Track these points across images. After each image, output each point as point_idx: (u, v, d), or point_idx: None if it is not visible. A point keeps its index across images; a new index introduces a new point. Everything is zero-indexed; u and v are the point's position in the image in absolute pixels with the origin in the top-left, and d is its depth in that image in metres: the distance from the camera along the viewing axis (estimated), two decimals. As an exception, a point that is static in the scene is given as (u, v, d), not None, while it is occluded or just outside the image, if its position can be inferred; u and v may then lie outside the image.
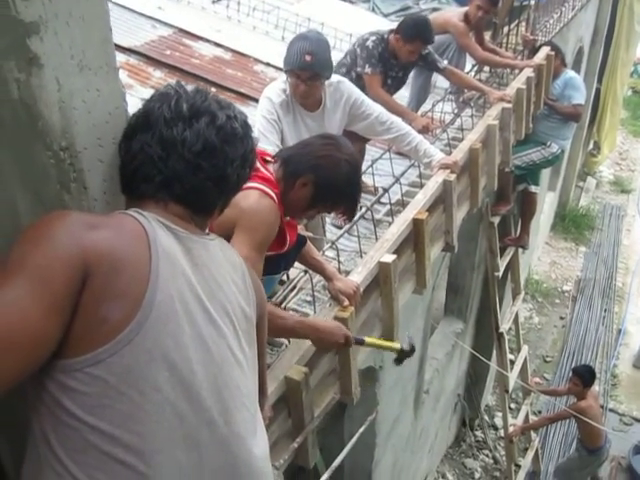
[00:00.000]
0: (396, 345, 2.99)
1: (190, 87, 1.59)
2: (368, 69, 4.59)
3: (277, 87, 3.57)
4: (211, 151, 1.52)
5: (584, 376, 6.85)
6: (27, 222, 1.44)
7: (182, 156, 1.49)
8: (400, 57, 4.71)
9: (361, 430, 3.28)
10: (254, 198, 2.35)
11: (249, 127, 1.64)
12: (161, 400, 1.31)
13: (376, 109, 3.82)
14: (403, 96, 5.69)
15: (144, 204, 1.50)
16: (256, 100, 5.98)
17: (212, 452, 1.38)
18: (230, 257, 1.62)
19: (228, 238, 2.34)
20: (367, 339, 2.91)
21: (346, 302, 2.99)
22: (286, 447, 2.79)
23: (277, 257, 2.46)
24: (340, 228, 4.09)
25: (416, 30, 4.62)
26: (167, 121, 1.50)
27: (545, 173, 8.67)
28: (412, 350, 3.00)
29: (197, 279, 1.44)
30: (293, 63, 3.42)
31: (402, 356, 3.00)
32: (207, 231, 1.66)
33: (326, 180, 2.44)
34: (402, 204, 4.10)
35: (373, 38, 4.67)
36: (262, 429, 1.58)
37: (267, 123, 3.49)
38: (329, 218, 4.42)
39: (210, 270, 1.49)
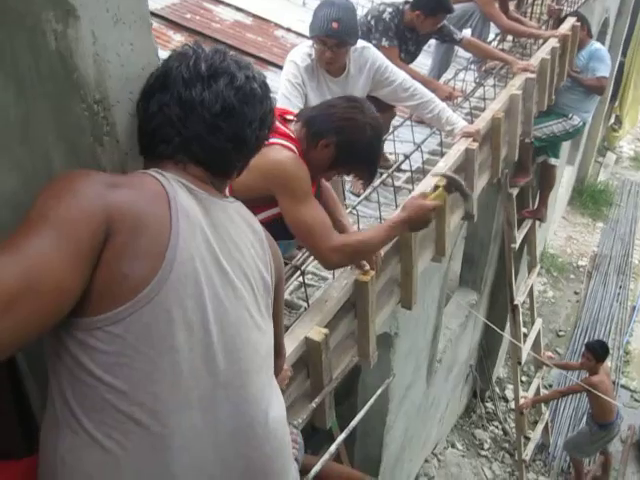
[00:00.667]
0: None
1: (208, 47, 1.57)
2: (385, 42, 4.53)
3: (302, 51, 3.56)
4: (230, 112, 1.50)
5: (597, 351, 6.86)
6: (60, 169, 1.46)
7: (201, 117, 1.47)
8: (421, 30, 4.66)
9: (379, 392, 3.32)
10: (277, 153, 2.39)
11: (268, 88, 1.62)
12: (178, 361, 1.31)
13: (400, 75, 3.80)
14: (424, 64, 5.65)
15: (163, 165, 1.49)
16: (276, 65, 6.00)
17: (228, 414, 1.38)
18: (249, 221, 1.60)
19: (256, 200, 2.36)
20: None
21: (367, 266, 3.00)
22: (304, 407, 2.83)
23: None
24: (358, 196, 4.09)
25: (438, 3, 4.56)
26: (185, 81, 1.48)
27: (565, 146, 8.61)
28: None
29: (216, 240, 1.43)
30: (319, 30, 3.40)
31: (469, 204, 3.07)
32: (226, 194, 1.65)
33: (349, 143, 2.47)
34: (422, 172, 4.09)
35: (390, 10, 4.60)
36: (278, 392, 1.58)
37: (291, 87, 3.49)
38: (348, 185, 4.42)
39: (229, 232, 1.49)
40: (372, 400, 3.14)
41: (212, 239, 1.42)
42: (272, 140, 2.38)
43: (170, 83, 1.49)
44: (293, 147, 2.44)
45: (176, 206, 1.36)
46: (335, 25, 3.38)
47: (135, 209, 1.30)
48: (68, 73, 1.43)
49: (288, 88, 3.48)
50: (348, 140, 2.48)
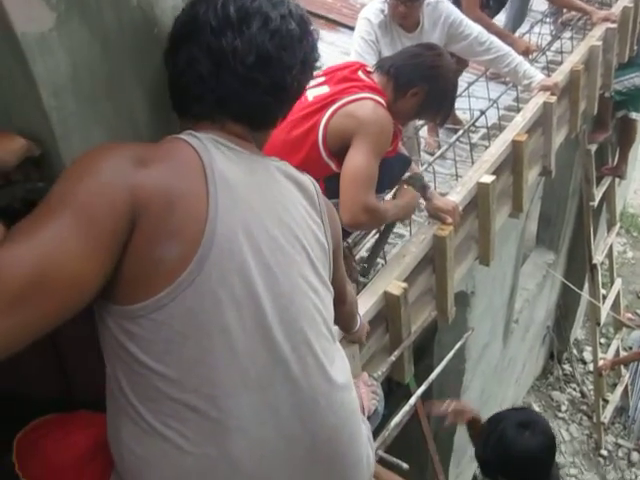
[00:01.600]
0: None
1: None
2: None
3: (375, 8, 3.54)
4: (266, 61, 1.33)
5: None
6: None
7: (235, 70, 1.31)
8: None
9: (458, 345, 3.32)
10: (371, 107, 2.41)
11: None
12: (230, 342, 1.22)
13: (475, 29, 3.73)
14: (499, 20, 5.51)
15: (200, 125, 1.36)
16: (346, 26, 5.95)
17: (287, 390, 1.30)
18: (297, 179, 1.45)
19: (340, 149, 2.38)
20: None
21: (449, 220, 2.99)
22: (383, 360, 2.86)
23: (382, 171, 2.48)
24: (432, 154, 4.07)
25: None
26: (214, 29, 1.31)
27: (646, 101, 8.28)
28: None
29: (261, 204, 1.31)
30: None
31: None
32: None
33: (438, 90, 2.55)
34: (498, 128, 4.03)
35: None
36: (341, 356, 1.48)
37: (365, 44, 3.48)
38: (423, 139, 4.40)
39: (274, 193, 1.36)
40: (451, 353, 3.16)
41: (257, 203, 1.30)
42: (365, 95, 2.43)
43: (197, 32, 1.33)
44: (381, 100, 2.46)
45: (213, 175, 1.23)
46: None
47: (165, 186, 1.19)
48: (149, 27, 1.43)
49: (362, 45, 3.47)
50: (438, 87, 2.54)
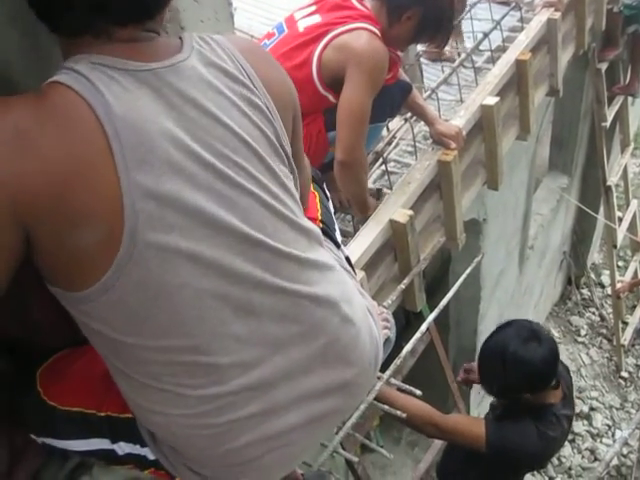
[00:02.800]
0: None
1: None
2: None
3: None
4: None
5: None
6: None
7: None
8: None
9: (469, 270, 3.31)
10: (365, 39, 2.35)
11: None
12: (193, 294, 1.15)
13: None
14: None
15: (80, 42, 1.11)
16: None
17: (269, 311, 1.24)
18: (217, 63, 1.22)
19: (335, 81, 2.34)
20: None
21: (453, 145, 2.94)
22: (393, 289, 2.85)
23: (383, 99, 2.44)
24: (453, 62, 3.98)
25: None
26: None
27: (658, 15, 8.04)
28: None
29: (184, 129, 1.12)
30: None
31: None
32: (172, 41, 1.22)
33: (433, 13, 2.45)
34: (503, 50, 3.93)
35: None
36: (328, 259, 1.36)
37: None
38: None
39: (197, 103, 1.15)
40: (462, 278, 3.15)
41: (179, 131, 1.11)
42: (359, 24, 2.37)
43: None
44: (375, 29, 2.39)
45: (113, 125, 1.04)
46: None
47: (54, 169, 1.01)
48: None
49: None
50: (432, 10, 2.45)
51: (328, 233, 1.64)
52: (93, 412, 1.35)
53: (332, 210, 1.84)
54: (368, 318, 1.44)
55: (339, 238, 1.78)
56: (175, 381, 1.19)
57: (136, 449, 1.35)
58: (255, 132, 1.22)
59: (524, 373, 2.46)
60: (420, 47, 3.90)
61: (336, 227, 1.81)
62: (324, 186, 1.87)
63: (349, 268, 1.60)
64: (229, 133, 1.18)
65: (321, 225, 1.65)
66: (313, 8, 2.47)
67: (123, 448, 1.36)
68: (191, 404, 1.21)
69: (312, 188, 1.79)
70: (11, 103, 1.04)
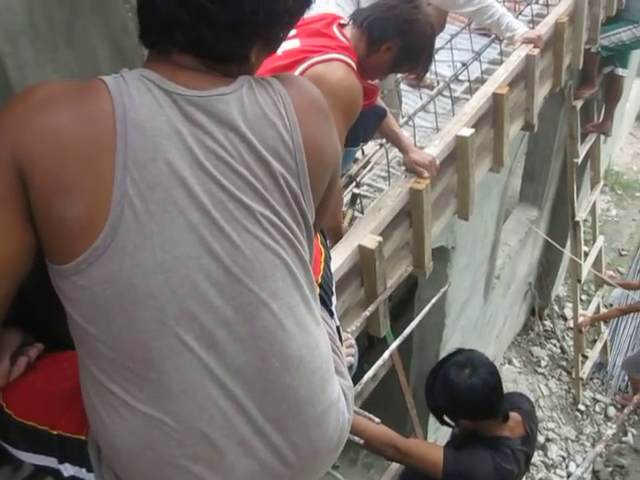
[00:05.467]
0: None
1: None
2: None
3: None
4: None
5: None
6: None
7: None
8: None
9: (434, 300, 3.32)
10: (342, 74, 2.32)
11: None
12: (158, 306, 1.13)
13: None
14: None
15: (150, 55, 1.23)
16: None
17: (233, 350, 1.20)
18: (263, 108, 1.22)
19: None
20: None
21: (425, 174, 2.96)
22: (358, 315, 2.85)
23: (356, 124, 2.44)
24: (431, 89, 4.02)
25: None
26: None
27: (635, 57, 8.20)
28: None
29: (202, 151, 1.15)
30: None
31: None
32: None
33: (413, 45, 2.44)
34: (481, 81, 3.97)
35: None
36: (301, 313, 1.29)
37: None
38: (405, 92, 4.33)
39: (213, 136, 1.16)
40: (427, 307, 3.15)
41: (197, 150, 1.15)
42: (335, 55, 2.34)
43: None
44: (352, 62, 2.37)
45: (125, 126, 1.10)
46: None
47: (58, 138, 1.08)
48: (110, -26, 1.39)
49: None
50: (412, 41, 2.44)
51: (324, 300, 1.62)
52: (46, 429, 1.32)
53: (331, 271, 1.82)
54: (340, 402, 1.40)
55: (334, 303, 1.76)
56: (125, 386, 1.17)
57: (81, 473, 1.32)
58: (268, 181, 1.21)
59: (449, 395, 2.49)
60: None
61: (334, 290, 1.79)
62: (327, 242, 1.86)
63: (337, 342, 1.56)
64: (234, 174, 1.17)
65: (319, 290, 1.61)
66: (293, 32, 2.46)
67: (69, 470, 1.33)
68: (137, 420, 1.18)
69: (319, 243, 1.78)
70: (62, 82, 1.19)
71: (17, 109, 1.11)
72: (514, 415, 2.64)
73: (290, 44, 2.39)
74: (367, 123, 2.60)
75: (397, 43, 2.42)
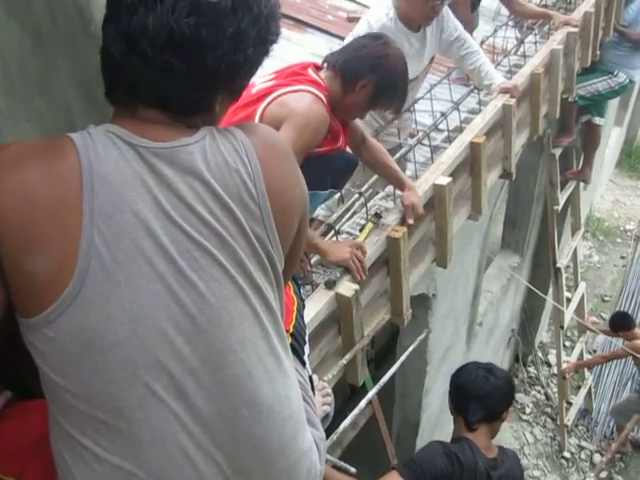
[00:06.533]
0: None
1: None
2: None
3: (381, 12, 3.55)
4: (179, 43, 1.15)
5: (615, 323, 6.83)
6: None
7: (144, 53, 1.15)
8: None
9: (412, 346, 3.31)
10: (307, 101, 2.38)
11: None
12: (126, 355, 1.14)
13: (459, 28, 3.79)
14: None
15: (115, 111, 1.25)
16: (314, 27, 5.92)
17: (202, 399, 1.20)
18: (220, 154, 1.23)
19: None
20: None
21: (411, 220, 2.99)
22: (335, 363, 2.83)
23: (324, 168, 2.47)
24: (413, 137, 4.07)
25: None
26: (128, 6, 1.15)
27: (612, 107, 8.38)
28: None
29: (167, 200, 1.16)
30: None
31: None
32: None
33: (387, 79, 2.53)
34: (460, 130, 4.02)
35: None
36: (273, 362, 1.29)
37: None
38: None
39: (175, 188, 1.17)
40: (406, 353, 3.15)
41: (163, 200, 1.16)
42: (304, 87, 2.41)
43: (116, 10, 1.18)
44: (322, 95, 2.43)
45: (91, 179, 1.12)
46: None
47: (27, 194, 1.09)
48: (85, 24, 1.40)
49: None
50: (386, 76, 2.53)
51: (296, 350, 1.62)
52: None
53: (304, 320, 1.83)
54: (312, 452, 1.39)
55: (307, 352, 1.76)
56: (95, 438, 1.16)
57: None
58: (234, 229, 1.22)
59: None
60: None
61: (306, 339, 1.79)
62: (301, 291, 1.86)
63: (309, 392, 1.56)
64: (200, 222, 1.19)
65: (291, 339, 1.62)
66: (272, 76, 2.51)
67: None
68: (107, 472, 1.17)
69: (292, 292, 1.79)
70: (34, 141, 1.23)
71: None
72: (494, 444, 2.77)
73: (265, 84, 2.45)
74: (336, 168, 2.62)
75: (371, 79, 2.50)
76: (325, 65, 2.59)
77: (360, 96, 2.53)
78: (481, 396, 2.72)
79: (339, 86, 2.52)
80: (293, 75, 2.49)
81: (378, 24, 3.47)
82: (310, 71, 2.52)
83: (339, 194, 3.28)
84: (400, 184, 3.07)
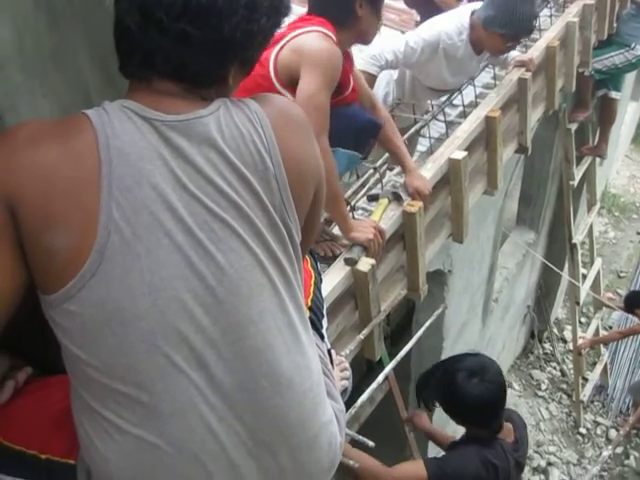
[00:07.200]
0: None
1: None
2: None
3: (455, 29, 3.59)
4: (196, 11, 1.17)
5: (631, 302, 6.76)
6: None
7: (160, 23, 1.16)
8: None
9: (430, 321, 3.31)
10: (315, 39, 2.35)
11: None
12: (147, 327, 1.15)
13: None
14: None
15: (130, 85, 1.26)
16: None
17: (223, 371, 1.21)
18: (240, 127, 1.25)
19: (292, 82, 2.35)
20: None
21: (420, 203, 2.98)
22: (352, 338, 2.84)
23: (348, 126, 2.47)
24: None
25: None
26: None
27: (628, 80, 8.26)
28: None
29: (184, 173, 1.17)
30: (523, 29, 3.47)
31: None
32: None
33: None
34: (475, 106, 4.00)
35: None
36: (295, 333, 1.31)
37: (410, 50, 3.51)
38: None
39: (191, 159, 1.19)
40: (423, 328, 3.16)
41: (180, 173, 1.17)
42: (313, 28, 2.38)
43: None
44: (330, 33, 2.40)
45: (108, 153, 1.13)
46: (535, 23, 3.54)
47: (45, 171, 1.11)
48: (99, 0, 1.40)
49: (407, 49, 3.50)
50: None
51: (315, 323, 1.62)
52: (34, 453, 1.32)
53: (322, 294, 1.82)
54: (332, 425, 1.40)
55: (325, 326, 1.75)
56: (117, 411, 1.18)
57: None
58: (251, 199, 1.23)
59: (452, 397, 2.59)
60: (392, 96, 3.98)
61: (324, 313, 1.78)
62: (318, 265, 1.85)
63: (328, 365, 1.57)
64: (218, 193, 1.20)
65: (309, 313, 1.62)
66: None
67: None
68: (130, 444, 1.19)
69: (309, 266, 1.79)
70: (50, 119, 1.24)
71: (5, 147, 1.13)
72: (506, 424, 2.70)
73: None
74: (361, 128, 2.62)
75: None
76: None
77: (361, 17, 2.48)
78: (500, 404, 2.62)
79: (339, 16, 2.47)
80: (301, 20, 2.47)
81: (449, 41, 3.54)
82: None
83: (355, 170, 3.28)
84: (402, 165, 3.06)
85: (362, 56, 3.33)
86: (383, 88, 3.95)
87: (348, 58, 2.61)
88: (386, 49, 3.42)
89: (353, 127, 2.57)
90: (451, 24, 3.59)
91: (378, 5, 2.54)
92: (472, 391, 2.51)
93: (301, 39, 2.37)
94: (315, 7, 2.50)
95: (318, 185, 1.40)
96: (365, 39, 2.61)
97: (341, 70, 2.40)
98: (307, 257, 1.81)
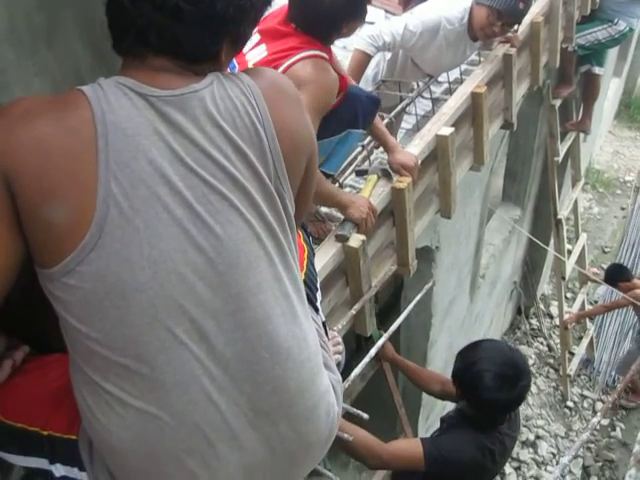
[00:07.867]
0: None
1: None
2: None
3: (456, 15, 3.63)
4: None
5: (612, 275, 6.89)
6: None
7: None
8: None
9: (419, 296, 3.35)
10: (310, 67, 2.37)
11: None
12: (148, 300, 1.17)
13: None
14: None
15: (124, 62, 1.28)
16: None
17: (223, 343, 1.23)
18: (234, 101, 1.27)
19: None
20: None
21: (409, 178, 2.99)
22: (344, 314, 2.87)
23: (354, 108, 2.50)
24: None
25: None
26: None
27: (611, 57, 8.29)
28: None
29: (181, 147, 1.19)
30: (507, 5, 3.52)
31: None
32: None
33: None
34: (461, 82, 4.02)
35: None
36: (291, 305, 1.33)
37: (409, 34, 3.54)
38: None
39: (187, 132, 1.21)
40: (413, 303, 3.19)
41: (176, 147, 1.19)
42: (304, 54, 2.38)
43: None
44: (320, 53, 2.42)
45: (105, 128, 1.14)
46: (522, 5, 3.54)
47: (41, 145, 1.12)
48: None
49: (395, 31, 3.50)
50: None
51: (309, 297, 1.64)
52: (36, 430, 1.34)
53: (315, 268, 1.84)
54: (329, 395, 1.42)
55: (319, 299, 1.78)
56: (119, 384, 1.20)
57: (73, 473, 1.34)
58: (247, 171, 1.25)
59: (474, 388, 2.57)
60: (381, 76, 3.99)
61: (318, 287, 1.81)
62: (310, 240, 1.87)
63: (324, 337, 1.59)
64: (215, 166, 1.22)
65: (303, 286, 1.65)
66: (258, 37, 2.46)
67: (60, 470, 1.34)
68: (132, 416, 1.20)
69: (301, 240, 1.80)
70: (38, 95, 1.25)
71: (1, 122, 1.15)
72: None
73: (258, 52, 2.41)
74: (365, 105, 2.66)
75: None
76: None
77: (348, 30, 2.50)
78: (509, 410, 2.65)
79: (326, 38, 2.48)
80: (282, 36, 2.44)
81: (450, 27, 3.59)
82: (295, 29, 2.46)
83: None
84: (383, 144, 3.08)
85: (360, 34, 3.33)
86: (373, 68, 3.96)
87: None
88: (385, 31, 3.43)
89: (357, 106, 2.60)
90: (452, 9, 3.61)
91: (363, 18, 2.54)
92: (498, 397, 2.51)
93: (296, 68, 2.37)
94: (298, 22, 2.46)
95: (311, 155, 1.42)
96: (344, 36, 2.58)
97: (336, 91, 2.45)
98: (300, 231, 1.83)
